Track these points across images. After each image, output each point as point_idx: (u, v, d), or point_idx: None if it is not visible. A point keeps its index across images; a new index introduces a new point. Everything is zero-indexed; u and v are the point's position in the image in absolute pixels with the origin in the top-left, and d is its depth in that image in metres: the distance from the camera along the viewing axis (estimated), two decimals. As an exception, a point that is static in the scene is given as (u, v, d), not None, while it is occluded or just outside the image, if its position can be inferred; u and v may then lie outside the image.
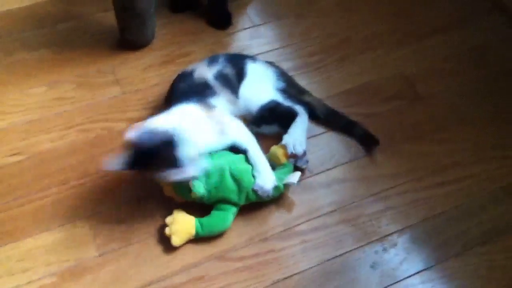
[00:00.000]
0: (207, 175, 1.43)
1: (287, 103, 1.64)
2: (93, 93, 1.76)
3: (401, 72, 1.86)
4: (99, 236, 1.45)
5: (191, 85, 1.59)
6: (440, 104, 1.78)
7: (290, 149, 1.54)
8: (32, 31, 1.92)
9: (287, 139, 1.56)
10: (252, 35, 1.96)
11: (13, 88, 1.76)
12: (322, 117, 1.69)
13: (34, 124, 1.67)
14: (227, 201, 1.46)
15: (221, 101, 1.57)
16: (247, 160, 1.51)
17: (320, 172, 1.60)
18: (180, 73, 1.65)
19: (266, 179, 1.46)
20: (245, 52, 1.88)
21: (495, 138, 1.70)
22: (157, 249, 1.43)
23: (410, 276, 1.41)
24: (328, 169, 1.61)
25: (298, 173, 1.49)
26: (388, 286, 1.40)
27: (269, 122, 1.63)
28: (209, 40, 1.94)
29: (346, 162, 1.62)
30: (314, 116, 1.68)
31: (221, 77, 1.61)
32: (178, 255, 1.43)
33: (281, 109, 1.62)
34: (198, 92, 1.56)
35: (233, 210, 1.46)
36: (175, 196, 1.47)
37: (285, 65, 1.85)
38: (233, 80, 1.62)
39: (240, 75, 1.63)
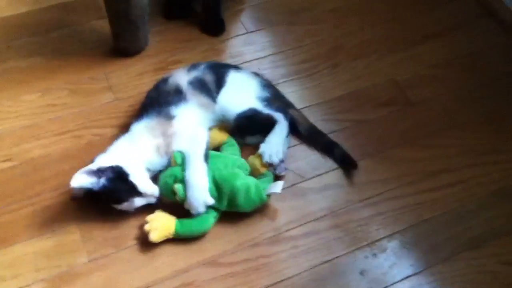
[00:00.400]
0: None
1: (266, 110, 1.62)
2: (86, 99, 1.76)
3: (393, 79, 1.87)
4: (90, 242, 1.45)
5: (160, 92, 1.63)
6: (431, 110, 1.79)
7: (265, 159, 1.54)
8: (25, 38, 1.93)
9: (263, 148, 1.56)
10: (245, 42, 1.98)
11: (6, 94, 1.77)
12: (304, 133, 1.68)
13: (27, 130, 1.68)
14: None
15: (190, 107, 1.58)
16: (240, 165, 1.51)
17: (312, 178, 1.60)
18: (160, 79, 1.69)
19: (194, 198, 1.43)
20: (238, 59, 1.90)
21: (485, 143, 1.71)
22: (147, 255, 1.44)
23: (399, 281, 1.42)
24: (319, 175, 1.61)
25: (281, 182, 1.49)
26: (378, 291, 1.41)
27: (251, 132, 1.63)
28: (202, 47, 1.95)
29: (337, 168, 1.63)
30: (296, 131, 1.68)
31: (197, 83, 1.63)
32: (168, 260, 1.43)
33: (260, 117, 1.61)
34: (164, 100, 1.59)
35: (214, 214, 1.47)
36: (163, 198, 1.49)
37: (278, 72, 1.87)
38: (211, 87, 1.64)
39: (220, 82, 1.65)
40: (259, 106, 1.63)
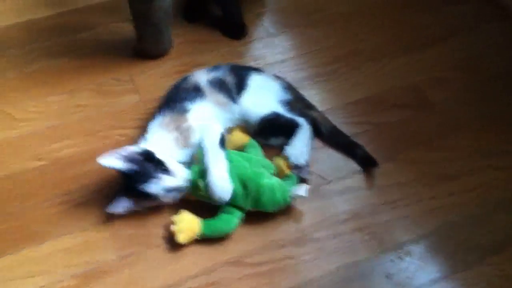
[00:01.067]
0: None
1: (289, 115, 1.65)
2: (112, 100, 1.80)
3: (410, 81, 1.88)
4: (118, 240, 1.48)
5: (178, 90, 1.66)
6: (449, 112, 1.80)
7: (292, 160, 1.57)
8: (52, 41, 1.97)
9: (290, 150, 1.59)
10: (267, 45, 2.00)
11: (34, 95, 1.80)
12: (326, 134, 1.70)
13: (55, 131, 1.71)
14: (234, 205, 1.48)
15: (207, 104, 1.61)
16: (265, 165, 1.54)
17: (335, 180, 1.62)
18: (180, 78, 1.72)
19: (216, 185, 1.44)
20: (260, 61, 1.92)
21: (506, 144, 1.72)
22: (174, 254, 1.46)
23: (425, 285, 1.43)
24: (342, 177, 1.63)
25: (306, 186, 1.51)
26: (402, 294, 1.42)
27: (274, 134, 1.65)
28: (224, 49, 1.97)
29: (359, 171, 1.65)
30: (318, 132, 1.70)
31: (217, 82, 1.66)
32: (194, 259, 1.46)
33: (282, 121, 1.64)
34: (181, 97, 1.62)
35: (239, 214, 1.49)
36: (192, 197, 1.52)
37: (299, 74, 1.90)
38: (231, 88, 1.66)
39: (241, 85, 1.67)
40: (281, 109, 1.66)
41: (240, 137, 1.63)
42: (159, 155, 1.47)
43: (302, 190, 1.50)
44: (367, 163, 1.66)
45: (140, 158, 1.44)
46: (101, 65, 1.90)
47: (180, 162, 1.50)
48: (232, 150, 1.56)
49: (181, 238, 1.44)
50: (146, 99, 1.80)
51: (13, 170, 1.62)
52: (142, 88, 1.83)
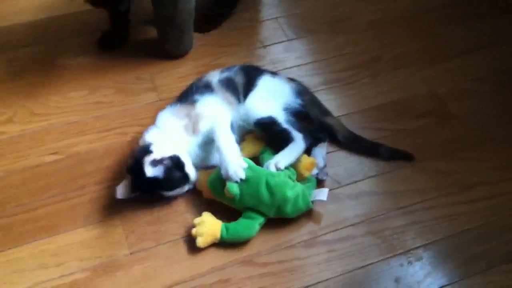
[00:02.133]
0: (245, 180, 1.46)
1: (286, 125, 1.60)
2: (131, 98, 1.82)
3: (432, 91, 1.88)
4: (131, 235, 1.50)
5: (191, 86, 1.68)
6: (470, 124, 1.79)
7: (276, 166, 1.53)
8: (75, 38, 2.01)
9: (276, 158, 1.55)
10: (286, 49, 2.01)
11: (55, 91, 1.84)
12: (343, 140, 1.69)
13: (73, 126, 1.74)
14: (256, 210, 1.49)
15: (215, 98, 1.62)
16: (289, 172, 1.53)
17: (348, 184, 1.62)
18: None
19: (231, 167, 1.45)
20: (279, 65, 1.93)
21: (524, 159, 1.71)
22: (186, 251, 1.47)
23: (434, 290, 1.42)
24: (356, 181, 1.63)
25: (326, 190, 1.51)
26: (412, 299, 1.41)
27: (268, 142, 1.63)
28: (244, 52, 1.99)
29: (375, 175, 1.64)
30: (335, 139, 1.69)
31: (226, 81, 1.66)
32: (206, 257, 1.46)
33: (276, 129, 1.60)
34: (192, 91, 1.65)
35: (261, 220, 1.49)
36: (212, 197, 1.53)
37: (318, 79, 1.90)
38: (238, 88, 1.66)
39: (250, 85, 1.67)
40: (282, 117, 1.62)
41: (253, 145, 1.63)
42: (186, 164, 1.50)
43: (322, 194, 1.50)
44: (398, 157, 1.66)
45: (170, 164, 1.47)
46: (123, 63, 1.93)
47: (188, 153, 1.53)
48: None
49: (201, 242, 1.45)
50: (164, 98, 1.82)
51: (29, 163, 1.65)
52: (161, 87, 1.85)
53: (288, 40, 2.04)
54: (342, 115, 1.78)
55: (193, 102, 1.60)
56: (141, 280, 1.42)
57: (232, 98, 1.64)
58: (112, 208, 1.55)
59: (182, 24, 1.87)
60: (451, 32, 2.09)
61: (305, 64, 1.96)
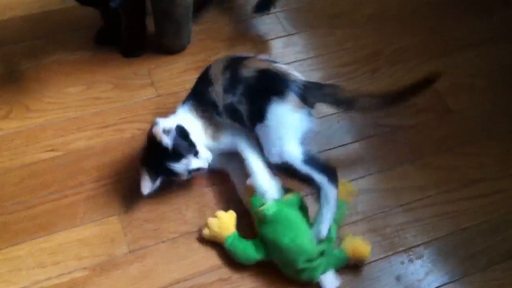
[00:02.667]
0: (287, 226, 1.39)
1: (305, 168, 1.40)
2: (129, 94, 1.80)
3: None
4: (130, 233, 1.48)
5: (202, 87, 1.55)
6: (470, 119, 1.78)
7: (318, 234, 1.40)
8: (71, 33, 1.97)
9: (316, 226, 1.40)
10: (286, 44, 1.99)
11: (51, 87, 1.81)
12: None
13: (71, 122, 1.72)
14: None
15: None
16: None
17: (348, 182, 1.61)
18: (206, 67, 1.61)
19: (263, 180, 1.44)
20: (278, 60, 1.88)
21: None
22: (186, 249, 1.46)
23: (435, 288, 1.42)
24: (356, 179, 1.62)
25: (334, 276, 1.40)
26: (412, 297, 1.41)
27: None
28: (242, 47, 1.97)
29: (374, 173, 1.63)
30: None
31: (230, 108, 1.48)
32: (205, 255, 1.45)
33: (295, 173, 1.43)
34: (204, 98, 1.53)
35: (262, 255, 1.41)
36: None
37: (317, 74, 1.89)
38: (244, 116, 1.47)
39: (256, 114, 1.44)
40: (297, 158, 1.41)
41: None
42: (192, 134, 1.46)
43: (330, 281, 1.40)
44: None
45: (175, 133, 1.43)
46: (120, 58, 1.91)
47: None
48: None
49: (205, 233, 1.45)
50: (163, 94, 1.80)
51: (26, 161, 1.63)
52: (159, 83, 1.83)
53: (287, 35, 2.03)
54: (342, 111, 1.76)
55: (209, 112, 1.52)
56: (140, 278, 1.41)
57: (238, 126, 1.51)
58: (110, 206, 1.53)
59: (179, 19, 1.84)
60: (451, 27, 2.08)
61: (304, 59, 1.94)
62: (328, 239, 1.39)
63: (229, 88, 1.47)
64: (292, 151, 1.41)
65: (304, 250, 1.36)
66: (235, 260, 1.43)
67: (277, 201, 1.42)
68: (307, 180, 1.41)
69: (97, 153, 1.65)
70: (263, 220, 1.41)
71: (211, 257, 1.45)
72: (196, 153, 1.44)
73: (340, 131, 1.73)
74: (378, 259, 1.46)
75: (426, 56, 1.96)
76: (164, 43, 1.92)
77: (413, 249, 1.48)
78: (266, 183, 1.44)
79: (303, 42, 2.01)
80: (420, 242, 1.49)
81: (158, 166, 1.44)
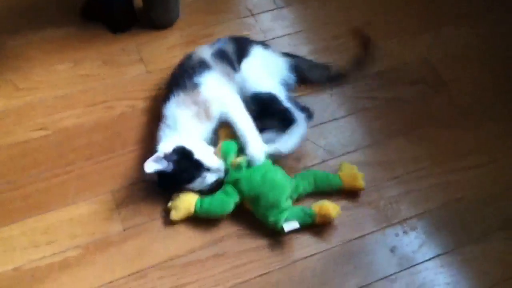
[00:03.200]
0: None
1: (287, 104, 1.56)
2: (118, 70, 1.78)
3: (425, 58, 1.86)
4: (124, 211, 1.47)
5: (185, 68, 1.60)
6: (463, 91, 1.78)
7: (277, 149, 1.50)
8: (58, 8, 1.94)
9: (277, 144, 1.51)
10: (276, 17, 1.97)
11: (39, 64, 1.78)
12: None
13: (60, 100, 1.70)
14: (236, 188, 1.45)
15: (214, 74, 1.56)
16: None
17: (341, 155, 1.60)
18: (184, 56, 1.67)
19: (255, 148, 1.45)
20: (268, 34, 1.90)
21: (518, 125, 1.70)
22: (180, 226, 1.45)
23: (429, 260, 1.42)
24: (349, 152, 1.61)
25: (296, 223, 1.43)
26: (407, 268, 1.41)
27: (267, 117, 1.56)
28: (232, 21, 1.95)
29: (367, 145, 1.63)
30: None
31: (220, 53, 1.62)
32: (200, 231, 1.45)
33: (276, 108, 1.55)
34: (188, 74, 1.56)
35: (236, 199, 1.44)
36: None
37: (308, 48, 1.87)
38: (232, 57, 1.62)
39: (242, 53, 1.62)
40: (280, 94, 1.58)
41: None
42: (196, 152, 1.44)
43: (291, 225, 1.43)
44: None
45: (175, 157, 1.41)
46: (108, 34, 1.88)
47: (206, 141, 1.50)
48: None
49: (174, 215, 1.44)
50: (152, 70, 1.78)
51: (16, 140, 1.61)
52: (148, 59, 1.81)
53: (277, 8, 2.00)
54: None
55: (195, 87, 1.53)
56: (135, 256, 1.41)
57: (228, 68, 1.59)
58: (102, 184, 1.52)
59: (167, -7, 1.82)
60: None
61: (294, 32, 1.92)
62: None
63: (216, 42, 1.68)
64: (275, 85, 1.58)
65: (278, 186, 1.43)
66: (216, 217, 1.44)
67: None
68: (283, 115, 1.53)
69: (87, 131, 1.63)
70: (237, 167, 1.44)
71: (206, 233, 1.45)
72: (208, 169, 1.43)
73: (332, 105, 1.72)
74: (373, 232, 1.46)
75: (418, 28, 1.95)
76: (153, 18, 1.88)
77: (407, 221, 1.48)
78: (259, 150, 1.45)
79: (293, 15, 1.99)
80: (413, 214, 1.50)
81: (174, 187, 1.46)
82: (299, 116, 1.55)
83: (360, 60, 1.76)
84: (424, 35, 1.93)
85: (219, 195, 1.45)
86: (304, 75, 1.73)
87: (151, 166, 1.38)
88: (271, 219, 1.42)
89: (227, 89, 1.55)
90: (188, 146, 1.44)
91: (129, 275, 1.38)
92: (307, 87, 1.73)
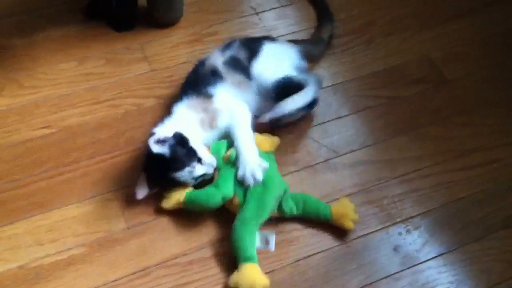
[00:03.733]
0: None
1: (300, 76, 1.61)
2: (122, 69, 1.78)
3: (427, 56, 1.86)
4: (128, 209, 1.48)
5: (198, 75, 1.61)
6: (466, 88, 1.77)
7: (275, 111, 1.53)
8: (60, 6, 1.94)
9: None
10: (279, 16, 1.97)
11: (43, 62, 1.79)
12: None
13: (64, 99, 1.70)
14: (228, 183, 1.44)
15: (227, 86, 1.57)
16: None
17: (345, 154, 1.61)
18: (197, 61, 1.66)
19: (250, 167, 1.42)
20: (272, 32, 1.90)
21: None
22: (184, 224, 1.46)
23: (432, 259, 1.43)
24: (352, 151, 1.62)
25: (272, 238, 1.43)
26: (410, 267, 1.41)
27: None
28: (235, 20, 1.95)
29: (371, 144, 1.63)
30: None
31: (232, 62, 1.61)
32: (203, 230, 1.45)
33: (295, 83, 1.58)
34: (202, 82, 1.57)
35: (225, 193, 1.42)
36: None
37: (311, 46, 1.87)
38: (245, 63, 1.61)
39: (254, 55, 1.62)
40: (294, 73, 1.61)
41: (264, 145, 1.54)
42: (191, 140, 1.44)
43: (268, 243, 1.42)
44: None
45: (173, 142, 1.41)
46: (112, 33, 1.88)
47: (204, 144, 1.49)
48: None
49: (164, 202, 1.45)
50: (156, 68, 1.78)
51: (20, 138, 1.61)
52: (152, 57, 1.81)
53: (281, 6, 2.00)
54: (338, 83, 1.77)
55: (209, 96, 1.54)
56: (139, 254, 1.41)
57: (242, 77, 1.59)
58: (106, 182, 1.52)
59: (171, -9, 1.82)
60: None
61: (298, 31, 1.92)
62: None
63: (226, 47, 1.65)
64: (290, 68, 1.62)
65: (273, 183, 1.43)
66: (203, 210, 1.44)
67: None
68: (301, 86, 1.57)
69: (91, 129, 1.63)
70: (229, 160, 1.45)
71: (209, 232, 1.45)
72: (199, 160, 1.43)
73: (336, 103, 1.72)
74: (376, 230, 1.47)
75: (420, 25, 1.95)
76: (156, 16, 1.89)
77: (410, 220, 1.48)
78: (252, 171, 1.43)
79: (297, 13, 1.98)
80: (417, 213, 1.50)
81: (161, 177, 1.44)
82: (309, 79, 1.60)
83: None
84: (425, 33, 1.92)
85: (208, 188, 1.44)
86: (312, 56, 1.78)
87: (155, 147, 1.39)
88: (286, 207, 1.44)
89: (238, 103, 1.55)
90: (185, 133, 1.44)
91: (132, 273, 1.38)
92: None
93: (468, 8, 2.01)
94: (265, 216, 1.41)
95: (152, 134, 1.42)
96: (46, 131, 1.63)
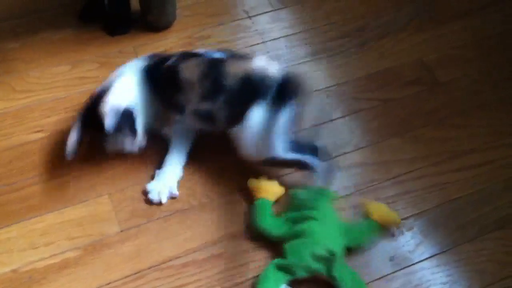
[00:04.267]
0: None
1: (293, 155, 1.45)
2: (115, 73, 1.78)
3: (420, 58, 1.87)
4: (121, 212, 1.48)
5: (171, 96, 1.50)
6: (459, 90, 1.78)
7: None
8: (55, 10, 1.94)
9: None
10: (273, 19, 1.97)
11: (37, 66, 1.79)
12: None
13: (58, 102, 1.70)
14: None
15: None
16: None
17: (338, 156, 1.61)
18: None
19: (159, 186, 1.49)
20: (266, 36, 1.90)
21: (514, 125, 1.71)
22: (178, 227, 1.46)
23: (425, 259, 1.43)
24: (346, 153, 1.62)
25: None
26: (403, 268, 1.41)
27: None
28: (228, 23, 1.95)
29: (364, 146, 1.64)
30: None
31: (204, 115, 1.46)
32: (197, 232, 1.45)
33: (287, 163, 1.48)
34: (169, 104, 1.53)
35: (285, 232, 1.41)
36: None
37: (305, 50, 1.88)
38: (220, 121, 1.45)
39: (238, 119, 1.41)
40: (281, 148, 1.42)
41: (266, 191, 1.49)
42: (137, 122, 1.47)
43: None
44: None
45: (120, 117, 1.43)
46: (105, 36, 1.88)
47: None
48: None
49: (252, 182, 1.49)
50: (150, 72, 1.78)
51: (13, 142, 1.61)
52: (146, 61, 1.81)
53: (274, 10, 2.01)
54: (332, 85, 1.77)
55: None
56: (133, 257, 1.41)
57: (204, 127, 1.52)
58: (100, 186, 1.52)
59: (165, -5, 1.82)
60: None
61: (291, 34, 1.93)
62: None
63: (209, 97, 1.42)
64: (275, 146, 1.41)
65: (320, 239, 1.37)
66: (257, 223, 1.43)
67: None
68: (296, 164, 1.48)
69: (85, 133, 1.63)
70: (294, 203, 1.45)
71: (203, 234, 1.45)
72: (135, 133, 1.46)
73: (329, 106, 1.72)
74: (369, 232, 1.47)
75: (413, 28, 1.96)
76: (149, 20, 1.89)
77: (403, 221, 1.48)
78: (166, 182, 1.49)
79: (290, 17, 1.99)
80: (410, 214, 1.50)
81: (95, 132, 1.46)
82: (311, 161, 1.47)
83: None
84: (419, 35, 1.93)
85: (279, 217, 1.44)
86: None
87: (109, 121, 1.42)
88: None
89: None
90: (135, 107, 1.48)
91: (126, 276, 1.38)
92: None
93: (463, 11, 2.01)
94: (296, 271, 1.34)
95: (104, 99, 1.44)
96: (40, 135, 1.63)
